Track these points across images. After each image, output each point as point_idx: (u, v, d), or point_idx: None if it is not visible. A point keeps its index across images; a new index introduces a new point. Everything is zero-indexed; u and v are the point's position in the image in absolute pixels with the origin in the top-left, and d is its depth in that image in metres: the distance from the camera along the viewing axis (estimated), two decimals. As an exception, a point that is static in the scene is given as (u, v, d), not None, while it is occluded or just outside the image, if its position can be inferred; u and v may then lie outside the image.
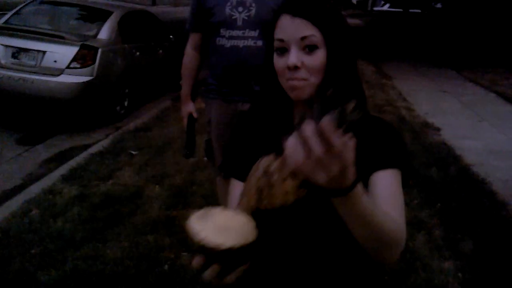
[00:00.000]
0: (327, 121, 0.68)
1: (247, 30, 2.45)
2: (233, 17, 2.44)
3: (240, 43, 2.47)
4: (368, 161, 1.05)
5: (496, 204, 4.01)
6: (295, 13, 1.06)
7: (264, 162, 0.87)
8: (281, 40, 1.07)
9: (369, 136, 1.10)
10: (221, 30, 2.48)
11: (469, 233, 3.49)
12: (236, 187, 1.15)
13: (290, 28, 1.06)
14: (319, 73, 1.07)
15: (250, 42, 2.45)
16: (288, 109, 1.18)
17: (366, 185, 1.04)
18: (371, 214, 0.87)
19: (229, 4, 2.43)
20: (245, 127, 1.29)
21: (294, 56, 1.05)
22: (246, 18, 2.44)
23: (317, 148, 0.70)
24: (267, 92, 1.19)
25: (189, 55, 2.87)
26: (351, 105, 0.70)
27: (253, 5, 2.41)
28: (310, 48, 1.05)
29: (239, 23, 2.44)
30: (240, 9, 2.43)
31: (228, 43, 2.49)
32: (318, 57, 1.06)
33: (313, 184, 0.76)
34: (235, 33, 2.46)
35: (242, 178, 1.11)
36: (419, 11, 27.71)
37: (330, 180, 0.73)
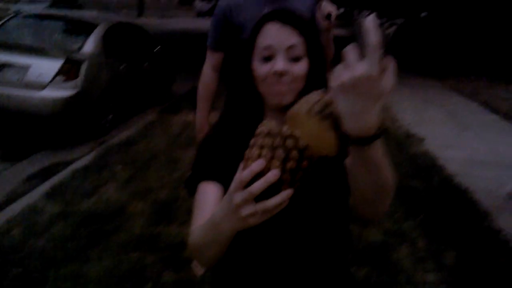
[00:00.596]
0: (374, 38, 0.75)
1: None
2: None
3: None
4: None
5: (479, 215, 4.05)
6: (285, 21, 1.11)
7: (268, 124, 0.88)
8: (268, 47, 1.11)
9: None
10: None
11: (452, 244, 3.52)
12: (211, 190, 1.13)
13: (279, 35, 1.11)
14: (302, 80, 1.12)
15: None
16: (259, 116, 1.20)
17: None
18: (383, 161, 0.94)
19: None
20: (215, 136, 1.28)
21: (281, 63, 1.09)
22: None
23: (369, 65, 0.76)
24: (241, 97, 1.22)
25: (209, 76, 2.67)
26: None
27: None
28: (295, 58, 1.11)
29: None
30: None
31: None
32: (302, 66, 1.12)
33: (345, 131, 0.83)
34: None
35: (218, 178, 1.14)
36: (403, 20, 27.96)
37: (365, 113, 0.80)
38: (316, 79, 1.14)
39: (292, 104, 1.06)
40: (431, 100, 9.33)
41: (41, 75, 5.51)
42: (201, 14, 52.47)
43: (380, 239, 3.55)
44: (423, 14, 23.75)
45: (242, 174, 0.82)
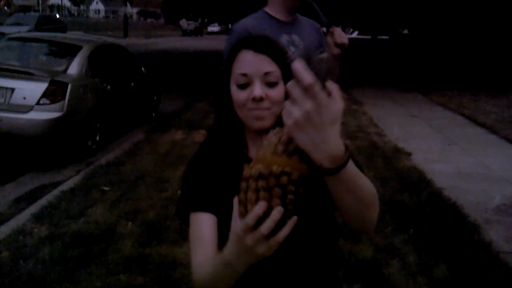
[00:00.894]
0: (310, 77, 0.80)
1: None
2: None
3: None
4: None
5: (468, 228, 4.07)
6: (258, 50, 1.14)
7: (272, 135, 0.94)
8: (244, 75, 1.14)
9: None
10: None
11: (442, 258, 3.52)
12: (205, 222, 1.16)
13: (253, 63, 1.14)
14: (280, 104, 1.13)
15: None
16: (241, 139, 1.24)
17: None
18: (359, 177, 0.98)
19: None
20: (200, 163, 1.28)
21: (259, 89, 1.12)
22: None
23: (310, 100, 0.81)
24: (222, 122, 1.24)
25: None
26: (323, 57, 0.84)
27: (301, 43, 2.35)
28: (271, 83, 1.14)
29: None
30: (292, 49, 2.31)
31: None
32: (279, 90, 1.14)
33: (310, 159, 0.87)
34: None
35: (208, 208, 1.16)
36: (387, 37, 28.41)
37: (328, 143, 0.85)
38: None
39: (272, 127, 1.11)
40: (417, 114, 9.43)
41: (27, 97, 5.48)
42: (186, 33, 52.96)
43: (371, 254, 3.55)
44: (404, 31, 24.14)
45: (247, 219, 0.88)
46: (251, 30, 2.26)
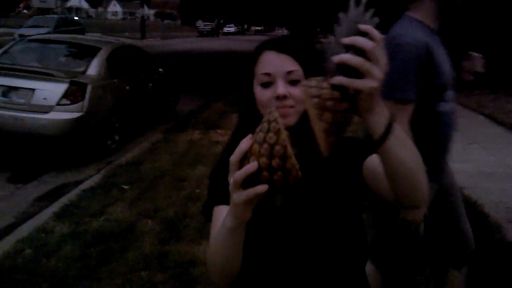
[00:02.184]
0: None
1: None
2: (453, 75, 2.04)
3: (453, 106, 2.03)
4: (355, 157, 1.20)
5: (489, 227, 4.02)
6: (280, 50, 1.17)
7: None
8: (268, 74, 1.16)
9: (346, 146, 1.25)
10: (446, 93, 2.00)
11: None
12: (224, 213, 1.16)
13: (276, 63, 1.16)
14: (303, 102, 1.12)
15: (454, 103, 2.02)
16: None
17: (361, 174, 1.18)
18: (412, 148, 0.98)
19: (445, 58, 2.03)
20: (225, 162, 1.30)
21: (282, 87, 1.14)
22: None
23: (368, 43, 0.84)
24: (246, 122, 1.25)
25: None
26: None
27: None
28: (294, 82, 1.15)
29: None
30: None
31: (448, 108, 2.02)
32: None
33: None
34: (451, 94, 2.03)
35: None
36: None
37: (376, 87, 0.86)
38: None
39: (296, 125, 1.15)
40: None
41: (47, 98, 5.56)
42: (203, 34, 53.25)
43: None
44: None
45: (235, 175, 0.90)
46: (429, 41, 1.94)
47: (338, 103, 0.89)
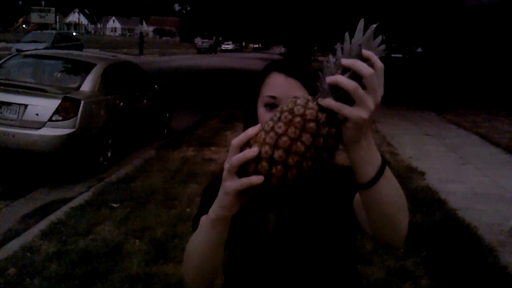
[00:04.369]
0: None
1: None
2: None
3: None
4: (346, 191, 1.14)
5: (483, 250, 3.97)
6: (288, 73, 1.15)
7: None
8: (273, 97, 1.14)
9: (340, 176, 1.21)
10: None
11: (456, 282, 3.43)
12: None
13: (283, 87, 1.14)
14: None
15: None
16: None
17: (351, 208, 1.12)
18: (394, 179, 0.94)
19: None
20: (219, 180, 1.28)
21: None
22: None
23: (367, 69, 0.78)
24: None
25: None
26: None
27: None
28: None
29: None
30: None
31: None
32: None
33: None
34: None
35: None
36: (400, 55, 28.36)
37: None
38: None
39: None
40: (431, 133, 9.34)
41: (39, 114, 5.52)
42: (201, 51, 53.55)
43: (383, 277, 3.46)
44: (418, 49, 24.09)
45: (232, 159, 0.86)
46: None
47: (322, 126, 0.82)
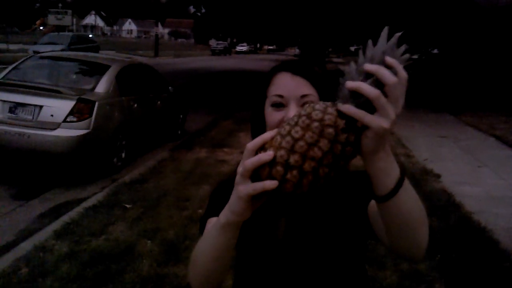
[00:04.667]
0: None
1: None
2: None
3: None
4: (360, 197, 1.12)
5: (498, 254, 3.90)
6: (295, 72, 1.14)
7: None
8: (281, 96, 1.12)
9: (353, 181, 1.18)
10: None
11: (470, 287, 3.37)
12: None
13: (290, 85, 1.13)
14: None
15: None
16: None
17: (366, 216, 1.10)
18: (417, 199, 0.92)
19: None
20: (228, 182, 1.27)
21: (294, 111, 1.09)
22: None
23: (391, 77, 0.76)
24: None
25: None
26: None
27: None
28: None
29: None
30: None
31: None
32: None
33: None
34: None
35: None
36: (416, 57, 28.15)
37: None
38: None
39: None
40: (447, 135, 9.23)
41: (54, 115, 5.57)
42: (215, 53, 53.77)
43: (396, 281, 3.42)
44: (434, 51, 23.86)
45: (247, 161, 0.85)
46: None
47: (340, 133, 0.80)
